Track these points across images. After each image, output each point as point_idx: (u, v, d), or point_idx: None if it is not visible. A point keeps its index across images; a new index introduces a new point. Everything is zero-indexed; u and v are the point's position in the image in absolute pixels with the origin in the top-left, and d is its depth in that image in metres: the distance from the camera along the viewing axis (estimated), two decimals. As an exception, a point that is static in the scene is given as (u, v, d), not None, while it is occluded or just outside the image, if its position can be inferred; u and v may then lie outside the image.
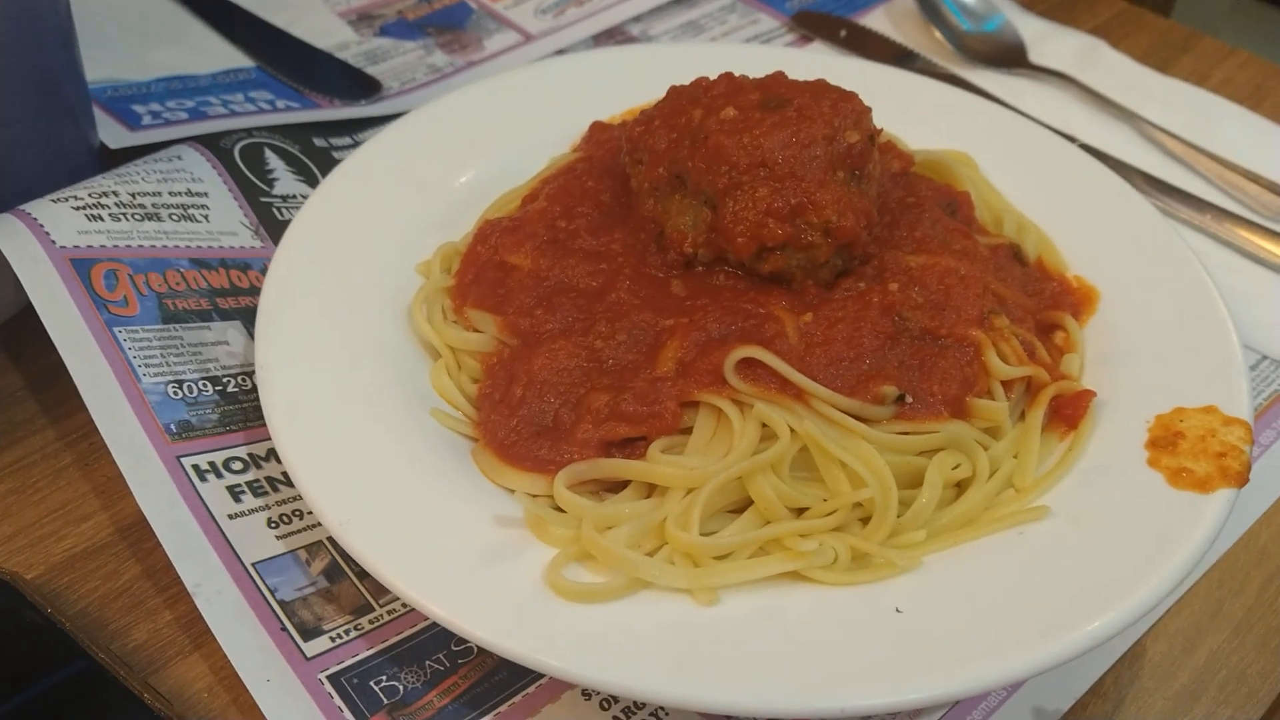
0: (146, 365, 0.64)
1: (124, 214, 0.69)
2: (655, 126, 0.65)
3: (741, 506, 0.59)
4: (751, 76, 0.70)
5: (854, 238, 0.62)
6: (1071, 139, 0.88)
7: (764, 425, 0.58)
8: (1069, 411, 0.62)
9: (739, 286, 0.64)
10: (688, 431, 0.60)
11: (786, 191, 0.61)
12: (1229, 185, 0.89)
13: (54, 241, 0.65)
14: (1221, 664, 0.61)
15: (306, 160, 0.83)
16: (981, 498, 0.59)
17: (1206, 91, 0.98)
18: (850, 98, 0.65)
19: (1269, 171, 0.90)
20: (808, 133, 0.61)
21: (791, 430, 0.58)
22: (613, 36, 1.01)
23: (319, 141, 0.85)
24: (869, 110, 0.65)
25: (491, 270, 0.67)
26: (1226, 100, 0.97)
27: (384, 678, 0.56)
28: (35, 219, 0.66)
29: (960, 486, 0.60)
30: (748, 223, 0.61)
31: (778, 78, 0.67)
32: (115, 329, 0.64)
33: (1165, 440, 0.60)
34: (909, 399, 0.59)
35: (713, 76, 0.70)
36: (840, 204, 0.61)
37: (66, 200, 0.68)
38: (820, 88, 0.65)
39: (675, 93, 0.67)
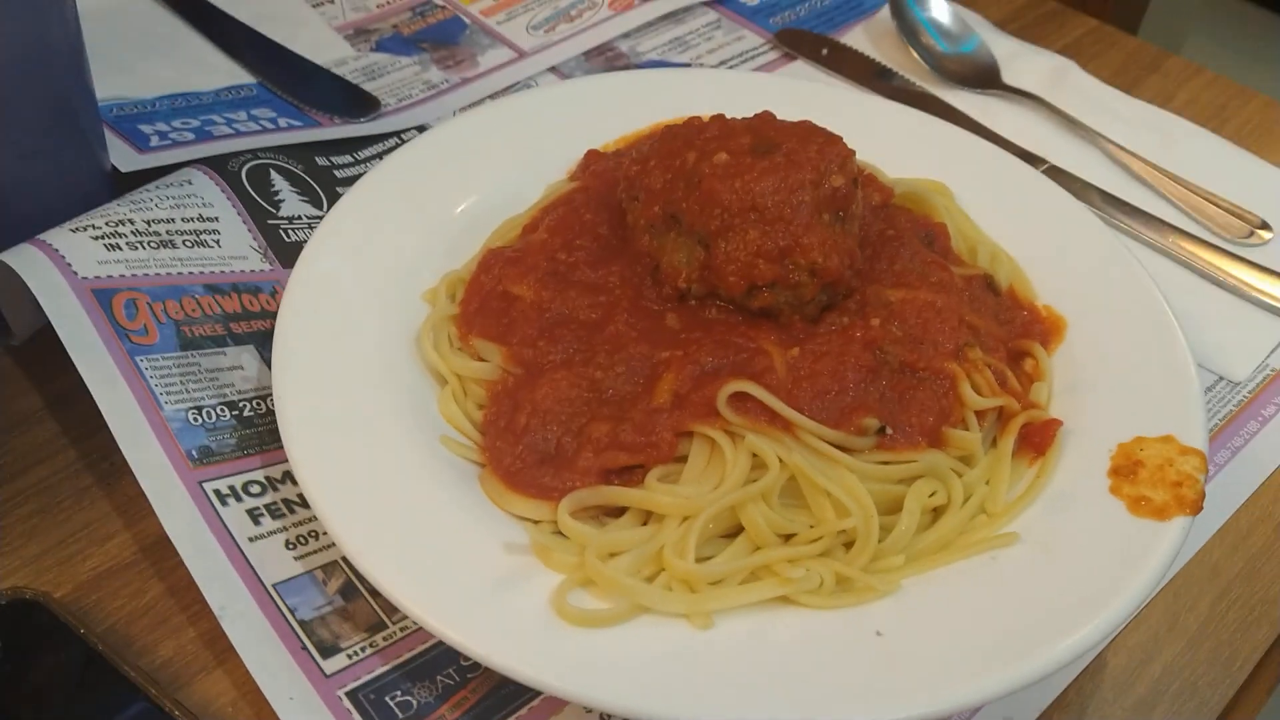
0: (167, 393, 0.67)
1: (140, 242, 0.72)
2: (650, 167, 0.69)
3: (732, 531, 0.63)
4: (739, 101, 0.74)
5: (839, 277, 0.66)
6: (1041, 160, 0.93)
7: (754, 455, 0.62)
8: (1037, 439, 0.67)
9: (730, 320, 0.67)
10: (683, 460, 0.64)
11: (775, 234, 0.65)
12: (1191, 208, 0.93)
13: (75, 273, 0.68)
14: (1176, 675, 0.66)
15: (310, 180, 0.86)
16: (956, 523, 0.63)
17: (1171, 114, 1.02)
18: (835, 141, 0.68)
19: (1230, 194, 0.94)
20: (795, 178, 0.65)
21: (780, 460, 0.62)
22: (602, 53, 1.04)
23: (321, 160, 0.88)
24: (853, 153, 0.68)
25: (495, 300, 0.70)
26: (1190, 122, 1.01)
27: (398, 693, 0.60)
28: (56, 250, 0.69)
29: (936, 512, 0.65)
30: (739, 263, 0.65)
31: (766, 119, 0.71)
32: (137, 358, 0.67)
33: (1126, 469, 0.64)
34: (889, 430, 0.64)
35: (701, 101, 0.74)
36: (826, 246, 0.65)
37: (85, 230, 0.71)
38: (807, 131, 0.69)
39: (669, 133, 0.71)
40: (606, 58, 1.04)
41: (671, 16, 1.08)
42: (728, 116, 0.71)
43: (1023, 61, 1.04)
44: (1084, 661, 0.65)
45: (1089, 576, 0.59)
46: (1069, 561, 0.61)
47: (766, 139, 0.68)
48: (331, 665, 0.60)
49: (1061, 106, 0.99)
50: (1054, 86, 1.02)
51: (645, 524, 0.62)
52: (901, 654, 0.56)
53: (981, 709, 0.62)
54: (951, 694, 0.54)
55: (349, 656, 0.61)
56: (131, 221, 0.73)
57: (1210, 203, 0.93)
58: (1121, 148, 0.96)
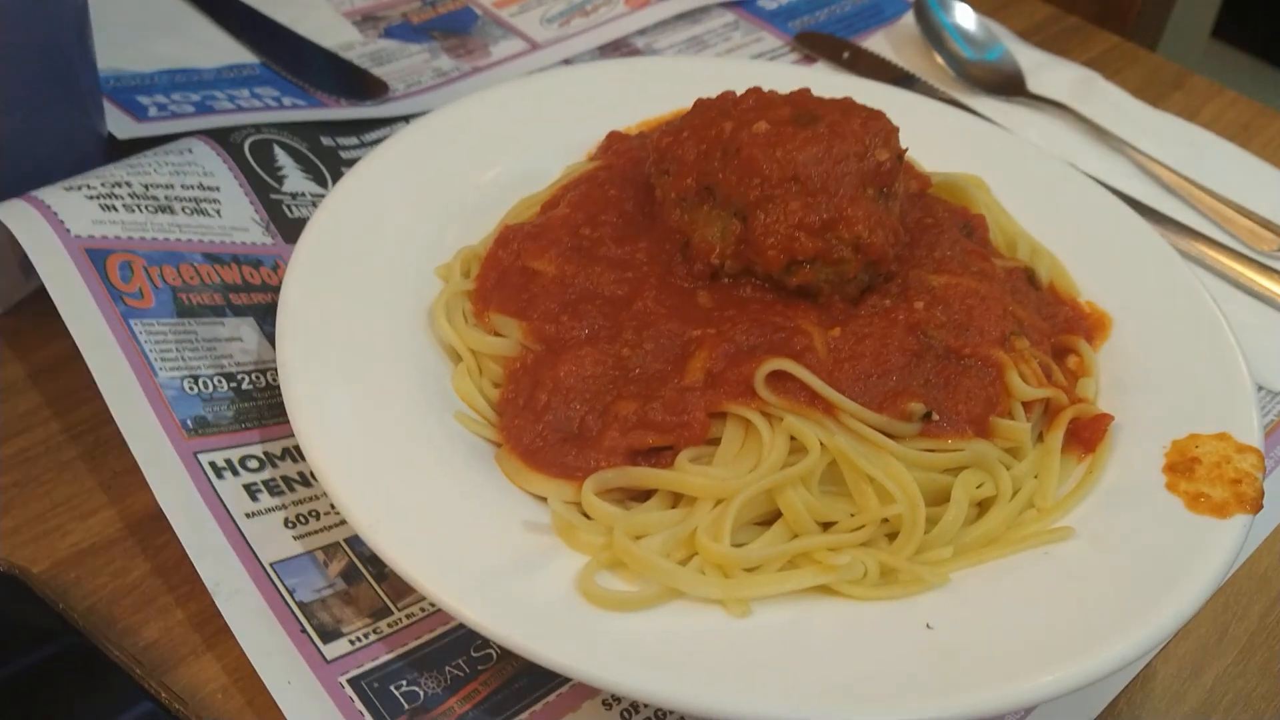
0: (162, 359, 0.63)
1: (137, 205, 0.68)
2: (684, 138, 0.65)
3: (767, 518, 0.59)
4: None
5: (883, 254, 0.62)
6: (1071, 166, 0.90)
7: (792, 438, 0.59)
8: (1087, 434, 0.63)
9: (766, 299, 0.64)
10: (714, 442, 0.60)
11: (818, 206, 0.61)
12: (1222, 219, 0.91)
13: (69, 230, 0.64)
14: (1228, 687, 0.62)
15: (314, 159, 0.82)
16: (1004, 517, 0.59)
17: (1198, 127, 1.00)
18: (879, 116, 0.65)
19: (1259, 207, 0.92)
20: (840, 149, 0.62)
21: (821, 444, 0.58)
22: (618, 49, 1.01)
23: (326, 141, 0.85)
24: (897, 129, 0.65)
25: (514, 275, 0.66)
26: (1218, 136, 0.99)
27: (404, 682, 0.56)
28: (49, 206, 0.65)
29: (981, 506, 0.61)
30: (778, 236, 0.61)
31: (805, 94, 0.67)
32: (131, 321, 0.63)
33: (1182, 465, 0.61)
34: (935, 416, 0.60)
35: (726, 91, 0.71)
36: (871, 220, 0.62)
37: (80, 189, 0.67)
38: (849, 105, 0.66)
39: (703, 105, 0.67)
40: (622, 54, 1.01)
41: (688, 16, 1.05)
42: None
43: (1048, 71, 1.02)
44: (1136, 668, 0.61)
45: (1151, 573, 0.55)
46: (1127, 558, 0.57)
47: (807, 111, 0.64)
48: (333, 651, 0.56)
49: (1088, 115, 0.97)
50: (1080, 96, 1.00)
51: (674, 507, 0.58)
52: (954, 649, 0.52)
53: (1030, 714, 0.58)
54: (1009, 692, 0.50)
55: (351, 642, 0.56)
56: (129, 184, 0.69)
57: (1241, 214, 0.90)
58: (1150, 158, 0.94)
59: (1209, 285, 0.84)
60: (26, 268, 0.68)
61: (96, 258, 0.64)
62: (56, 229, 0.64)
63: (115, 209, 0.67)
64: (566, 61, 0.98)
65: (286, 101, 0.88)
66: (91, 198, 0.67)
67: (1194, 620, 0.65)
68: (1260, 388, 0.78)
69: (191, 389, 0.63)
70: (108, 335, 0.62)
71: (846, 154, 0.62)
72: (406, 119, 0.89)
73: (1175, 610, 0.54)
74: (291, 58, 0.93)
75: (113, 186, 0.68)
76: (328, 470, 0.56)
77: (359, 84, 0.92)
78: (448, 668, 0.57)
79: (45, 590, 0.56)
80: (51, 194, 0.66)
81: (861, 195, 0.62)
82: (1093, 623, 0.53)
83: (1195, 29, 1.82)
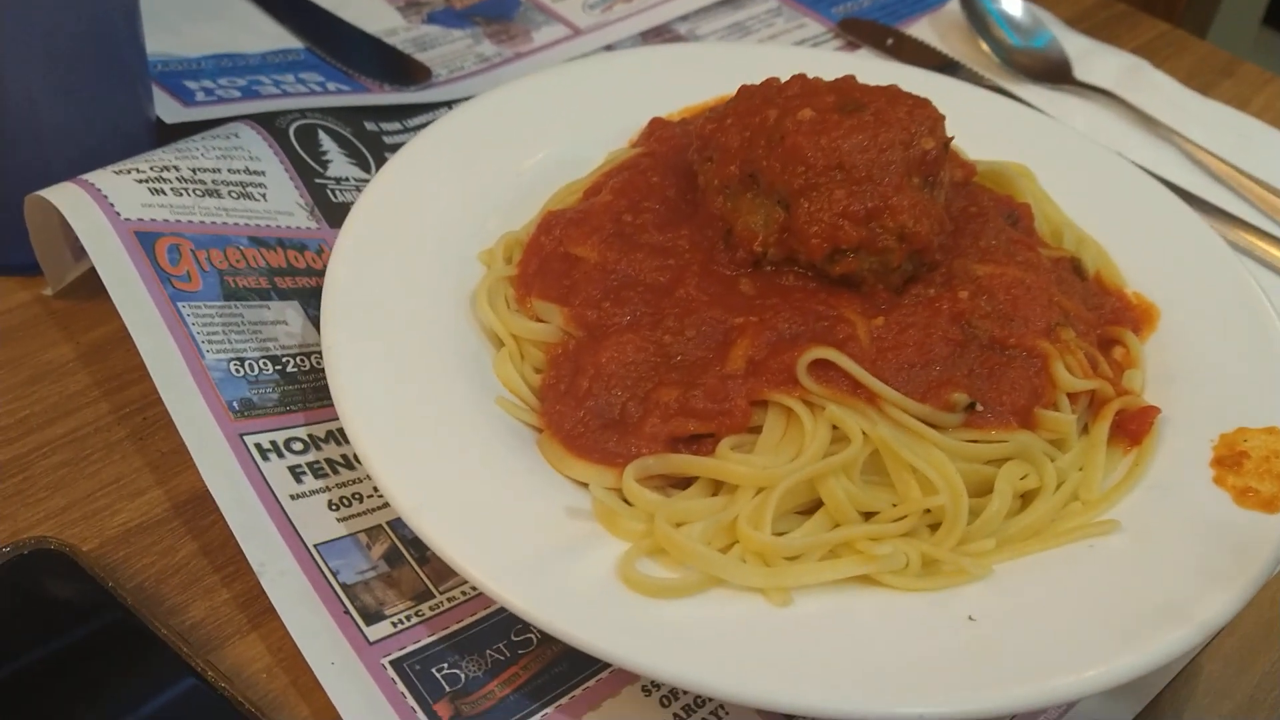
0: (209, 341, 0.64)
1: (185, 189, 0.69)
2: (728, 124, 0.65)
3: (808, 507, 0.59)
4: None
5: (928, 244, 0.62)
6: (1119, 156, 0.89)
7: (834, 427, 0.58)
8: (1133, 427, 0.63)
9: (808, 287, 0.63)
10: (756, 430, 0.60)
11: (863, 195, 0.61)
12: (1271, 210, 0.89)
13: (119, 214, 0.65)
14: (1274, 683, 0.62)
15: (358, 144, 0.83)
16: (1049, 509, 0.59)
17: (1249, 116, 0.98)
18: (925, 104, 0.65)
19: (1311, 198, 0.90)
20: (885, 137, 0.61)
21: (863, 434, 0.58)
22: (660, 35, 1.01)
23: (370, 126, 0.85)
24: (943, 118, 0.65)
25: (556, 261, 0.67)
26: (1268, 126, 0.97)
27: (445, 665, 0.56)
28: (99, 189, 0.65)
29: (1025, 498, 0.60)
30: (822, 224, 0.61)
31: (850, 81, 0.67)
32: (179, 304, 0.64)
33: (1230, 459, 0.60)
34: (979, 407, 0.60)
35: (770, 78, 0.70)
36: (916, 210, 0.61)
37: (129, 173, 0.68)
38: (895, 93, 0.65)
39: (747, 91, 0.67)
40: (664, 40, 1.01)
41: (731, 1, 1.05)
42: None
43: (1095, 59, 1.01)
44: (1180, 664, 0.60)
45: (1198, 568, 0.55)
46: (1174, 552, 0.56)
47: (852, 99, 0.64)
48: (375, 632, 0.56)
49: (1136, 104, 0.96)
50: (1128, 84, 0.99)
51: (715, 495, 0.58)
52: (998, 641, 0.52)
53: (1068, 713, 0.58)
54: (1054, 686, 0.50)
55: (394, 625, 0.57)
56: (176, 168, 0.70)
57: (1292, 205, 0.89)
58: (1199, 147, 0.93)
59: (1257, 276, 0.83)
60: (76, 250, 0.69)
61: (146, 241, 0.65)
62: (107, 212, 0.65)
63: (164, 193, 0.68)
64: (608, 47, 0.98)
65: (331, 87, 0.88)
66: (140, 181, 0.67)
67: (1240, 615, 0.64)
68: (1309, 381, 0.77)
69: (238, 371, 0.64)
70: (157, 318, 0.62)
71: (892, 142, 0.61)
72: (449, 104, 0.89)
73: (1223, 606, 0.54)
74: (335, 43, 0.94)
75: (161, 170, 0.69)
76: (371, 453, 0.56)
77: (402, 69, 0.92)
78: (489, 651, 0.57)
79: (95, 568, 0.57)
80: (101, 178, 0.66)
81: (907, 184, 0.61)
82: (1138, 617, 0.53)
83: (1246, 16, 1.79)
